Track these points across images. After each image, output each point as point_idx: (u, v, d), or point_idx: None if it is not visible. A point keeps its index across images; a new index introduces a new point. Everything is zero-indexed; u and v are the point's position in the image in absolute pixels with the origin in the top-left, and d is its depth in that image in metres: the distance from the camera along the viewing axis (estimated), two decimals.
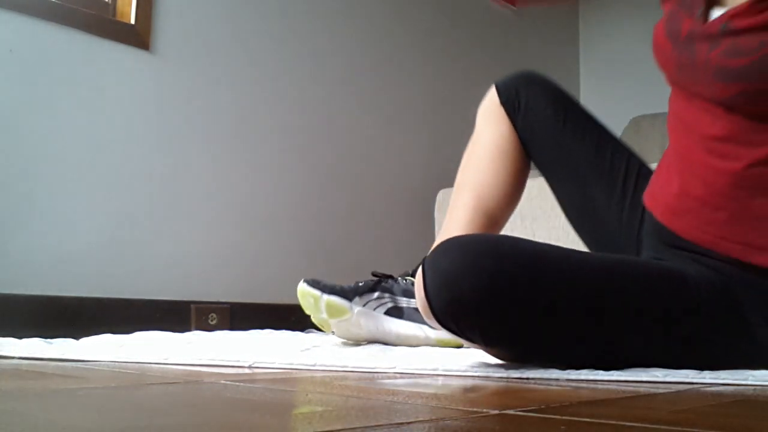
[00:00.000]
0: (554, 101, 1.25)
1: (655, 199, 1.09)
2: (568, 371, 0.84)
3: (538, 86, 1.26)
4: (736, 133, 0.94)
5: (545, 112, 1.24)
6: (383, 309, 1.16)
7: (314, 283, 1.21)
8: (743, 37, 0.90)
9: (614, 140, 1.23)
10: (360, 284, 1.18)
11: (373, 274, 1.21)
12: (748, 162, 0.93)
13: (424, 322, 1.12)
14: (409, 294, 1.14)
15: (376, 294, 1.16)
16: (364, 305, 1.15)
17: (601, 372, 0.84)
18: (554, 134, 1.23)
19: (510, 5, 3.22)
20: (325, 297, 1.18)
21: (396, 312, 1.15)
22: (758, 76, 0.88)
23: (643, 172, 1.19)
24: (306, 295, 1.22)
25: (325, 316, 1.19)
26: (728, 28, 0.92)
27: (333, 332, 1.23)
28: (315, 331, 1.61)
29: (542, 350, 0.91)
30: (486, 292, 0.82)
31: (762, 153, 0.92)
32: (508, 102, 1.26)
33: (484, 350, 0.92)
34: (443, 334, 1.05)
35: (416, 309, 1.10)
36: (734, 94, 0.91)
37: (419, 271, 0.86)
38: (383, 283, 1.17)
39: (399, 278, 1.19)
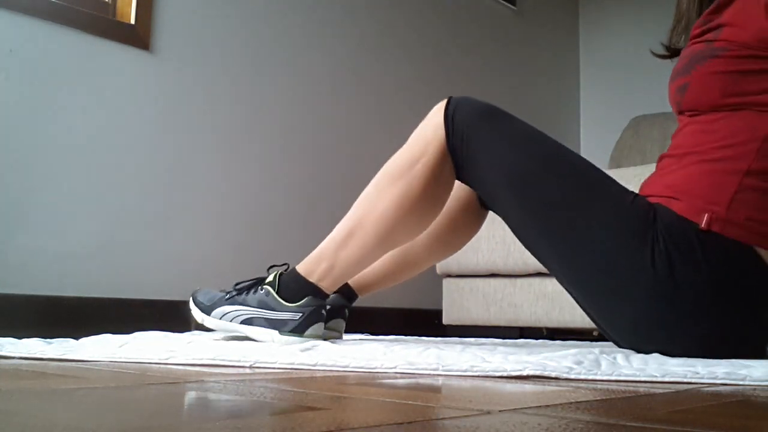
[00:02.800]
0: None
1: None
2: (566, 371, 0.85)
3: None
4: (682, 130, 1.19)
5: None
6: (238, 320, 1.30)
7: (193, 294, 1.38)
8: (689, 47, 1.20)
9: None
10: (226, 296, 1.32)
11: (235, 285, 1.36)
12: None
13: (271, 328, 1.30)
14: (263, 305, 1.28)
15: (233, 308, 1.31)
16: (221, 318, 1.32)
17: (600, 372, 0.84)
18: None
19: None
20: (192, 307, 1.37)
21: (248, 321, 1.29)
22: (684, 72, 1.16)
23: None
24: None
25: None
26: (687, 44, 1.23)
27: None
28: None
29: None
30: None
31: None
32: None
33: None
34: (290, 340, 1.24)
35: (266, 319, 1.27)
36: (674, 91, 1.18)
37: (442, 104, 1.40)
38: (244, 295, 1.31)
39: (259, 288, 1.31)
